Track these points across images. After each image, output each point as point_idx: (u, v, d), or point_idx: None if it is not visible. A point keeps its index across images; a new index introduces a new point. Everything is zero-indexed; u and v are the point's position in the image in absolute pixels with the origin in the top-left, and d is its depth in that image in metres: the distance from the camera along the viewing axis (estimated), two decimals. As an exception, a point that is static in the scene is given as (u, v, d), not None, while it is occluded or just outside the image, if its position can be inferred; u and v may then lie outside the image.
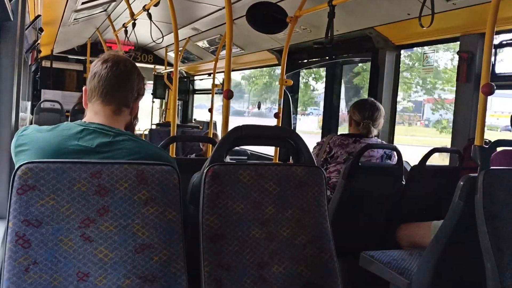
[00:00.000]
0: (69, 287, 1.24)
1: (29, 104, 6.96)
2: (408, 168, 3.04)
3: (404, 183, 2.77)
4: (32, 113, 6.68)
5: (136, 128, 1.70)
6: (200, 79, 8.23)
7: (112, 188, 1.32)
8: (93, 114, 1.50)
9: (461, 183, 1.81)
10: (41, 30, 4.28)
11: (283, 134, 1.65)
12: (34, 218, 1.25)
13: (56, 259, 1.24)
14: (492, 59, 2.24)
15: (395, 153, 2.81)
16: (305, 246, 1.53)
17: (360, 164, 2.60)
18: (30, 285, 1.20)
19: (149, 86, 8.04)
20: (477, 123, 1.92)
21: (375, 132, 3.01)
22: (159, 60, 7.82)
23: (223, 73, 6.49)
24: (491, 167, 1.82)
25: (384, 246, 2.70)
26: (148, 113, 8.25)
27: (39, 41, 5.03)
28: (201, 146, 4.71)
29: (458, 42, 3.14)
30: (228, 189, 1.48)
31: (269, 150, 5.92)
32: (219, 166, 1.49)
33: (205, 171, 1.48)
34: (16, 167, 1.40)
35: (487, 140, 2.38)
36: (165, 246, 1.34)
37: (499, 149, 2.28)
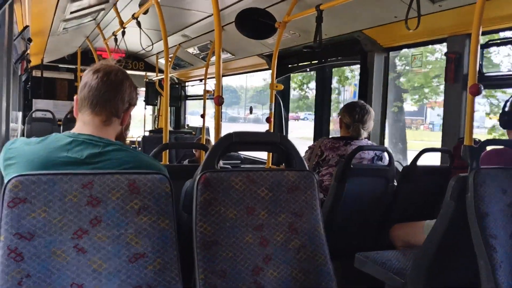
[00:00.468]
0: (63, 299, 1.23)
1: (20, 114, 6.92)
2: (400, 169, 3.06)
3: (396, 183, 2.79)
4: (23, 123, 6.64)
5: (129, 135, 1.69)
6: (192, 85, 8.24)
7: (104, 198, 1.32)
8: (83, 124, 1.49)
9: (452, 183, 1.83)
10: (30, 40, 4.27)
11: (274, 140, 1.66)
12: (26, 231, 1.24)
13: (49, 272, 1.24)
14: (479, 59, 2.27)
15: (386, 154, 2.83)
16: (299, 250, 1.54)
17: (352, 166, 2.62)
18: (23, 298, 1.20)
19: (141, 93, 8.03)
20: (466, 123, 1.94)
21: (365, 134, 3.03)
22: (150, 67, 7.82)
23: (214, 79, 6.50)
24: (481, 167, 1.84)
25: (378, 246, 2.71)
26: (140, 120, 8.23)
27: (28, 51, 5.02)
28: (194, 152, 4.71)
29: (445, 43, 3.18)
30: (220, 195, 1.49)
31: (262, 154, 5.94)
32: (211, 173, 1.49)
33: (197, 178, 1.48)
34: (6, 181, 1.39)
35: (477, 140, 2.40)
36: (159, 255, 1.35)
37: (488, 148, 2.31)
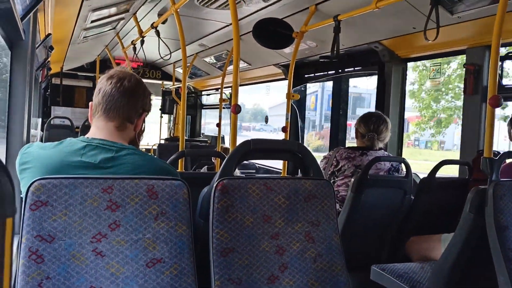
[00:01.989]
0: (82, 302, 1.25)
1: (39, 121, 7.04)
2: (418, 181, 3.03)
3: (413, 195, 2.76)
4: (42, 129, 6.75)
5: (145, 143, 1.71)
6: (208, 94, 8.30)
7: (123, 203, 1.33)
8: (96, 129, 1.52)
9: (471, 195, 1.81)
10: (51, 48, 4.36)
11: (292, 148, 1.66)
12: (47, 233, 1.26)
13: (68, 274, 1.25)
14: (499, 71, 2.25)
15: (402, 165, 2.80)
16: (315, 259, 1.53)
17: (368, 177, 2.60)
18: (43, 300, 1.21)
19: (157, 101, 8.11)
20: (486, 135, 1.93)
21: (380, 144, 3.01)
22: (167, 76, 7.91)
23: (230, 88, 6.54)
24: (501, 179, 1.82)
25: (394, 259, 2.68)
26: (156, 128, 8.30)
27: (49, 59, 5.11)
28: (213, 160, 4.73)
29: (463, 55, 3.16)
30: (237, 203, 1.49)
31: (277, 164, 5.93)
32: (228, 180, 1.50)
33: (214, 185, 1.49)
34: (23, 185, 1.42)
35: (496, 152, 2.37)
36: (176, 260, 1.35)
37: (508, 160, 2.28)
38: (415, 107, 12.63)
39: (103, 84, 1.53)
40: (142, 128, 1.63)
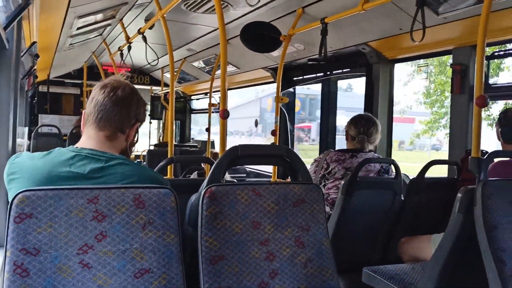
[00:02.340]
0: (69, 315, 1.22)
1: (26, 129, 6.96)
2: (407, 181, 3.04)
3: (403, 196, 2.76)
4: (29, 138, 6.68)
5: (134, 149, 1.69)
6: (197, 99, 8.27)
7: (110, 213, 1.32)
8: (87, 138, 1.50)
9: (460, 195, 1.82)
10: (37, 56, 4.32)
11: (280, 152, 1.65)
12: (32, 246, 1.24)
13: (55, 287, 1.23)
14: (485, 70, 2.26)
15: (392, 167, 2.81)
16: (305, 264, 1.52)
17: (358, 179, 2.60)
18: (28, 314, 1.19)
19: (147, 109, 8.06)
20: (473, 135, 1.93)
21: (370, 147, 3.01)
22: (156, 81, 7.87)
23: (219, 92, 6.53)
24: (489, 179, 1.82)
25: (386, 260, 2.68)
26: (146, 135, 8.25)
27: (35, 67, 5.06)
28: (202, 165, 4.71)
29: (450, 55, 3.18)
30: (226, 209, 1.48)
31: (267, 167, 5.92)
32: (216, 187, 1.49)
33: (202, 192, 1.47)
34: (11, 195, 1.39)
35: (484, 151, 2.38)
36: (165, 270, 1.33)
37: (496, 160, 2.29)
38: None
39: (96, 93, 1.51)
40: (135, 139, 1.61)
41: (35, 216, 1.25)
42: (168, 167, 3.02)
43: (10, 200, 1.39)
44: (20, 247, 1.23)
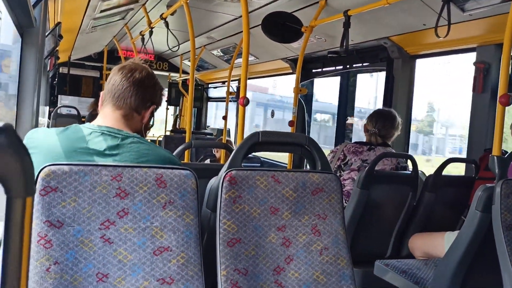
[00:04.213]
0: (89, 287, 1.26)
1: (47, 109, 7.07)
2: (424, 178, 3.03)
3: (419, 192, 2.76)
4: (49, 118, 6.79)
5: (151, 134, 1.72)
6: (214, 87, 8.30)
7: (132, 191, 1.34)
8: (104, 117, 1.53)
9: (479, 193, 1.81)
10: (60, 37, 4.36)
11: (300, 141, 1.66)
12: (56, 219, 1.27)
13: (76, 260, 1.27)
14: (510, 69, 2.23)
15: (410, 163, 2.80)
16: (321, 252, 1.54)
17: (375, 172, 2.60)
18: (51, 284, 1.23)
19: (165, 94, 8.12)
20: (495, 134, 1.92)
21: (388, 142, 3.01)
22: (174, 68, 7.91)
23: (237, 81, 6.54)
24: (509, 178, 1.81)
25: (398, 255, 2.68)
26: (162, 120, 8.32)
27: (57, 48, 5.12)
28: (214, 153, 4.74)
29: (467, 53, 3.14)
30: (245, 194, 1.50)
31: (281, 157, 5.93)
32: (236, 171, 1.50)
33: (222, 176, 1.49)
34: (39, 169, 1.43)
35: (504, 151, 2.36)
36: (183, 249, 1.36)
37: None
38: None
39: (114, 74, 1.56)
40: (151, 122, 1.63)
41: (60, 190, 1.28)
42: (185, 152, 3.05)
43: None
44: (44, 219, 1.26)
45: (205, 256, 1.40)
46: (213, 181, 1.57)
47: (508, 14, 1.89)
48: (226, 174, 1.49)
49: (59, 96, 7.76)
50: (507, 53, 1.91)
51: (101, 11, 4.02)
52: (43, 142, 1.43)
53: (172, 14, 3.99)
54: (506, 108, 1.91)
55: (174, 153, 2.07)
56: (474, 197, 1.83)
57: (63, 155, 1.39)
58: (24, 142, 1.47)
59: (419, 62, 3.75)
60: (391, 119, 3.02)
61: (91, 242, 1.29)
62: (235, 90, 6.21)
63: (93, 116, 5.86)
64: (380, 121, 2.99)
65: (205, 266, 1.39)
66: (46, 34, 3.37)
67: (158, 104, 1.62)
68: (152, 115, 1.61)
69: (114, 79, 1.53)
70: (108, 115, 1.52)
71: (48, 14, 3.38)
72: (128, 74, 1.53)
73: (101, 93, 1.58)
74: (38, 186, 1.27)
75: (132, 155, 1.44)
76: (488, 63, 3.00)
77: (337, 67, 4.54)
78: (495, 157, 1.87)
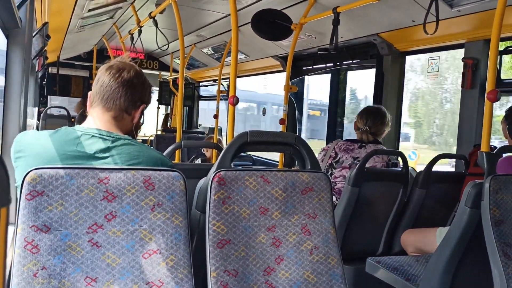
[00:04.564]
0: (77, 292, 1.24)
1: (35, 110, 7.00)
2: (414, 174, 3.04)
3: (410, 189, 2.77)
4: (38, 119, 6.72)
5: (142, 133, 1.70)
6: (205, 86, 8.27)
7: (120, 193, 1.33)
8: (93, 119, 1.51)
9: (468, 189, 1.81)
10: (48, 37, 4.32)
11: (289, 140, 1.65)
12: (43, 223, 1.25)
13: (64, 265, 1.25)
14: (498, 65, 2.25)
15: (400, 160, 2.81)
16: (311, 251, 1.53)
17: (365, 170, 2.60)
18: (38, 290, 1.21)
19: (154, 92, 8.08)
20: (483, 129, 1.92)
21: (378, 139, 3.01)
22: (165, 67, 7.87)
23: (228, 80, 6.51)
24: (498, 173, 1.82)
25: (390, 251, 2.69)
26: (153, 119, 8.28)
27: (46, 48, 5.08)
28: (203, 151, 4.73)
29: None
30: (234, 194, 1.49)
31: (273, 156, 5.93)
32: (225, 172, 1.49)
33: (211, 176, 1.48)
34: (17, 173, 1.41)
35: (493, 146, 2.38)
36: (172, 252, 1.35)
37: (504, 155, 2.28)
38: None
39: (101, 74, 1.52)
40: (141, 121, 1.62)
41: (47, 194, 1.26)
42: (176, 152, 3.04)
43: (16, 177, 1.41)
44: (31, 224, 1.24)
45: (194, 258, 1.39)
46: (202, 182, 1.56)
47: (496, 10, 1.89)
48: (215, 175, 1.48)
49: (48, 96, 7.69)
50: (495, 48, 1.91)
51: (89, 10, 3.98)
52: (32, 146, 1.41)
53: (161, 12, 3.96)
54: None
55: (164, 154, 2.06)
56: (464, 193, 1.84)
57: (52, 158, 1.37)
58: (14, 145, 1.45)
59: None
60: (381, 116, 3.03)
61: (79, 246, 1.28)
62: (226, 89, 6.19)
63: (83, 116, 5.82)
64: (371, 118, 3.00)
65: (195, 268, 1.38)
66: (33, 34, 3.33)
67: (148, 103, 1.61)
68: (142, 114, 1.60)
69: (102, 79, 1.51)
70: (98, 117, 1.50)
71: (35, 14, 3.34)
72: (116, 75, 1.50)
73: (89, 93, 1.56)
74: (24, 191, 1.25)
75: (123, 158, 1.43)
76: (476, 59, 3.01)
77: (327, 65, 4.54)
78: (484, 153, 1.88)
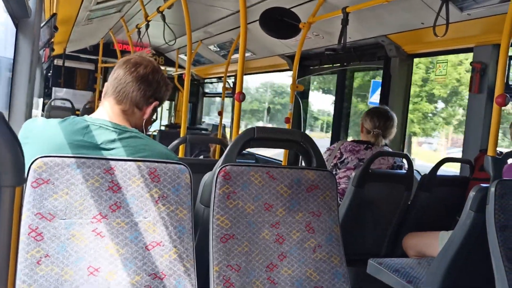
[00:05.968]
0: (80, 281, 1.24)
1: (41, 101, 7.02)
2: (419, 177, 3.03)
3: (414, 192, 2.76)
4: (43, 110, 6.74)
5: (150, 127, 1.70)
6: (210, 82, 8.27)
7: (125, 184, 1.33)
8: (103, 110, 1.51)
9: (473, 193, 1.81)
10: (55, 28, 4.33)
11: (296, 137, 1.65)
12: (47, 211, 1.25)
13: (67, 253, 1.25)
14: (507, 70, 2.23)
15: (405, 162, 2.80)
16: (314, 249, 1.53)
17: (370, 171, 2.59)
18: (41, 277, 1.21)
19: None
20: (491, 134, 1.91)
21: (385, 141, 3.00)
22: (170, 62, 7.86)
23: (233, 77, 6.51)
24: (504, 178, 1.81)
25: (392, 254, 2.68)
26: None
27: (52, 40, 5.08)
28: (209, 147, 4.72)
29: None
30: (239, 190, 1.48)
31: (275, 154, 5.93)
32: (231, 167, 1.49)
33: (217, 171, 1.48)
34: (27, 160, 1.40)
35: (499, 152, 2.36)
36: (176, 244, 1.35)
37: (510, 161, 2.27)
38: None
39: (118, 67, 1.54)
40: (153, 118, 1.61)
41: (52, 182, 1.26)
42: (180, 147, 3.03)
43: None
44: (36, 211, 1.24)
45: (197, 251, 1.39)
46: (207, 176, 1.56)
47: (506, 15, 1.88)
48: (221, 169, 1.48)
49: (53, 88, 7.71)
50: (505, 53, 1.90)
51: (97, 3, 3.99)
52: (40, 133, 1.41)
53: (169, 7, 3.95)
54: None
55: (168, 147, 2.05)
56: (468, 197, 1.83)
57: (59, 146, 1.37)
58: (21, 131, 1.45)
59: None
60: (391, 118, 3.00)
61: (83, 236, 1.28)
62: (232, 86, 6.18)
63: (87, 110, 5.84)
64: (382, 121, 2.96)
65: (198, 262, 1.38)
66: (41, 25, 3.33)
67: (162, 100, 1.60)
68: (155, 111, 1.59)
69: (118, 72, 1.51)
70: (107, 109, 1.50)
71: (43, 4, 3.34)
72: (132, 69, 1.50)
73: (105, 84, 1.56)
74: (30, 178, 1.25)
75: (129, 150, 1.43)
76: (485, 63, 3.00)
77: (334, 65, 4.53)
78: (490, 158, 1.87)
